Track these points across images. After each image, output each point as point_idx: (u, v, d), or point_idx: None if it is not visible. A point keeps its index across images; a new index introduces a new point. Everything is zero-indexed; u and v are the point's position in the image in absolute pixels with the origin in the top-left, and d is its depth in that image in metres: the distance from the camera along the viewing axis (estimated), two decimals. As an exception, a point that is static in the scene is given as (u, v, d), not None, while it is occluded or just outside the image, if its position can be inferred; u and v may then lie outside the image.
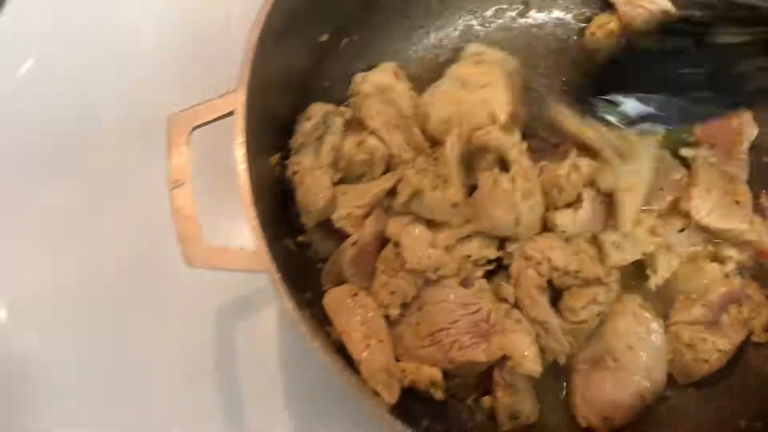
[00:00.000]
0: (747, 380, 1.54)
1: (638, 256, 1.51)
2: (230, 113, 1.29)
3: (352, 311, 1.44)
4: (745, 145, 1.66)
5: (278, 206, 1.50)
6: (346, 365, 1.25)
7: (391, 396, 1.38)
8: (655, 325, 1.50)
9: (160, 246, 1.66)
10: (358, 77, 1.66)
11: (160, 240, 1.62)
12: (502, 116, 1.57)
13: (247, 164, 1.26)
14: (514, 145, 1.51)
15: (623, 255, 1.50)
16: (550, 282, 1.48)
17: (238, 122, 1.28)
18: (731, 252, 1.58)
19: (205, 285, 1.65)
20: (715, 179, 1.59)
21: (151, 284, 1.70)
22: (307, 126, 1.55)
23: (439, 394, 1.46)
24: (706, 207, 1.56)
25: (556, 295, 1.50)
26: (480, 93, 1.59)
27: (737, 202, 1.58)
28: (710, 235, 1.58)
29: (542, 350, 1.44)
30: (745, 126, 1.66)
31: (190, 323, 1.67)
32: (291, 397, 1.62)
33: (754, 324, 1.54)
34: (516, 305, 1.47)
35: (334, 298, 1.46)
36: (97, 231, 1.73)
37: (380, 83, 1.63)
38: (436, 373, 1.44)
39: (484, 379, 1.48)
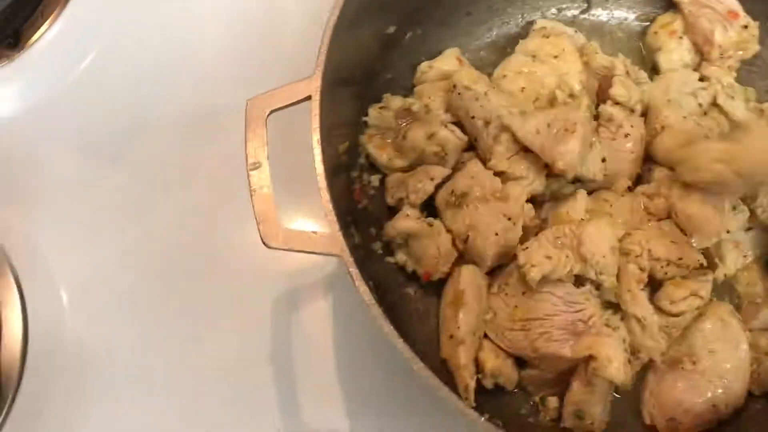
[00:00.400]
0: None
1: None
2: (307, 98, 1.30)
3: (479, 297, 1.45)
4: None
5: (345, 194, 1.50)
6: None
7: (471, 393, 1.40)
8: (743, 337, 1.46)
9: (218, 233, 1.71)
10: (424, 66, 1.67)
11: (219, 226, 1.67)
12: (575, 84, 1.58)
13: (321, 150, 1.26)
14: None
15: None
16: (651, 277, 1.47)
17: (315, 107, 1.29)
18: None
19: (261, 274, 1.69)
20: None
21: (208, 272, 1.72)
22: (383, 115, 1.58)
23: (509, 386, 1.47)
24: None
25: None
26: (551, 63, 1.60)
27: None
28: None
29: (637, 349, 1.43)
30: None
31: (246, 312, 1.69)
32: (345, 391, 1.63)
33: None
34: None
35: (473, 274, 1.46)
36: (154, 218, 1.76)
37: (445, 70, 1.63)
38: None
39: (560, 381, 1.46)
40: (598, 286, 1.44)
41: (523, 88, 1.58)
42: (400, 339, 1.18)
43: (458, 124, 1.56)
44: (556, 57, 1.61)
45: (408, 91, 1.68)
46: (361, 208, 1.58)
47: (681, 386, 1.43)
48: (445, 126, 1.54)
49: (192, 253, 1.74)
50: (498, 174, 1.49)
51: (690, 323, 1.47)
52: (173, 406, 1.63)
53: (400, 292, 1.57)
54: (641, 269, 1.45)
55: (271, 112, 1.30)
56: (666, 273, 1.46)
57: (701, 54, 1.71)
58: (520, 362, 1.48)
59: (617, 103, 1.59)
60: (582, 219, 1.45)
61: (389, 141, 1.59)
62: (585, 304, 1.42)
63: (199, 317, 1.69)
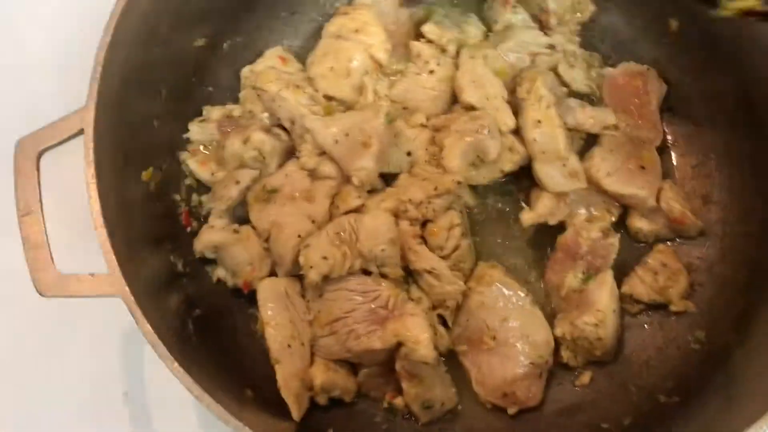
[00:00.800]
0: (668, 351, 1.46)
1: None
2: (80, 132, 1.23)
3: (285, 306, 1.40)
4: (654, 105, 1.56)
5: (158, 223, 1.43)
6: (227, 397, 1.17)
7: (299, 410, 1.34)
8: (522, 291, 1.46)
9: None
10: (245, 71, 1.60)
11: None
12: (381, 54, 1.54)
13: (97, 183, 1.19)
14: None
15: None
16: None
17: (88, 141, 1.21)
18: (641, 223, 1.51)
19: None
20: (622, 143, 1.51)
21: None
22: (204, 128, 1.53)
23: (347, 398, 1.42)
24: (606, 168, 1.48)
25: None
26: (355, 38, 1.55)
27: (642, 168, 1.49)
28: (611, 198, 1.50)
29: (442, 300, 1.42)
30: (651, 84, 1.56)
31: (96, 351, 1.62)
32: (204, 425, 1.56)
33: (671, 293, 1.46)
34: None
35: (270, 287, 1.41)
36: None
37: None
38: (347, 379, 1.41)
39: (394, 377, 1.40)
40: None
41: (332, 67, 1.53)
42: (187, 375, 1.11)
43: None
44: (357, 31, 1.55)
45: (237, 101, 1.61)
46: (191, 231, 1.50)
47: (495, 364, 1.42)
48: (267, 130, 1.48)
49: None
50: (310, 174, 1.44)
51: (469, 298, 1.45)
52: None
53: (244, 314, 1.50)
54: (411, 223, 1.42)
55: (43, 151, 1.22)
56: (434, 210, 1.43)
57: (540, 24, 1.64)
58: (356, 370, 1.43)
59: (429, 41, 1.56)
60: (362, 205, 1.42)
61: (211, 155, 1.53)
62: (379, 288, 1.37)
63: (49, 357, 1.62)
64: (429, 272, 1.42)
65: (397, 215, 1.42)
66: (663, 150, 1.57)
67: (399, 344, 1.34)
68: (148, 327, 1.12)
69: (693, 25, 1.54)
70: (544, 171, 1.46)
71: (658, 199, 1.49)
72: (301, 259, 1.37)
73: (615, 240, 1.46)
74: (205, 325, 1.38)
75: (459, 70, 1.52)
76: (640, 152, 1.51)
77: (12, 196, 1.21)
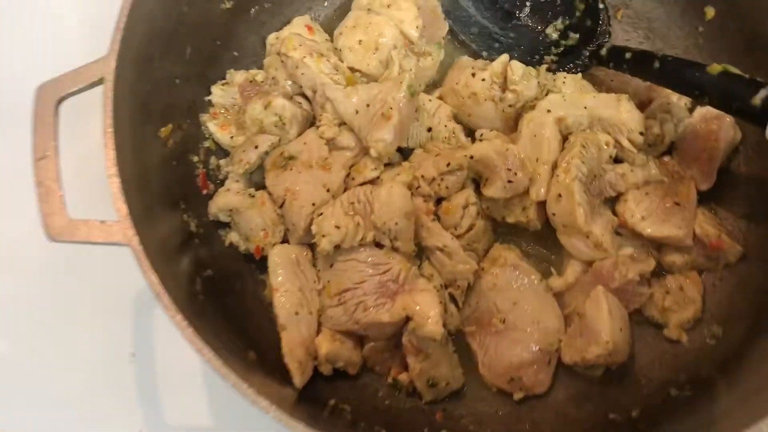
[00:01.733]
0: (682, 345, 1.42)
1: None
2: (100, 81, 1.22)
3: (295, 273, 1.38)
4: (721, 152, 1.47)
5: (173, 182, 1.42)
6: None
7: (302, 378, 1.32)
8: (537, 276, 1.42)
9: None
10: (271, 38, 1.59)
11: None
12: (412, 31, 1.53)
13: (114, 132, 1.19)
14: None
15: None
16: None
17: (108, 90, 1.21)
18: (674, 257, 1.45)
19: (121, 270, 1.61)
20: (659, 182, 1.46)
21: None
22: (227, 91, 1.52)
23: (351, 370, 1.40)
24: (640, 211, 1.43)
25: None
26: (386, 12, 1.54)
27: (677, 204, 1.43)
28: (647, 240, 1.44)
29: (453, 279, 1.40)
30: (724, 131, 1.47)
31: (107, 311, 1.62)
32: (209, 386, 1.56)
33: (670, 317, 1.41)
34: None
35: (281, 254, 1.40)
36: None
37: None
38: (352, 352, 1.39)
39: (400, 353, 1.39)
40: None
41: (360, 40, 1.52)
42: (189, 327, 1.10)
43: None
44: (389, 6, 1.54)
45: (261, 67, 1.60)
46: (207, 194, 1.49)
47: (503, 347, 1.39)
48: (289, 97, 1.46)
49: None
50: (328, 143, 1.42)
51: (482, 279, 1.42)
52: (35, 406, 1.57)
53: (254, 279, 1.49)
54: (425, 199, 1.40)
55: (62, 98, 1.22)
56: (447, 188, 1.40)
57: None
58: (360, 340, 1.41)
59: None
60: (378, 177, 1.40)
61: (232, 119, 1.52)
62: (390, 262, 1.35)
63: (57, 318, 1.63)
64: (441, 250, 1.40)
65: (410, 190, 1.40)
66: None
67: (407, 319, 1.32)
68: (154, 278, 1.11)
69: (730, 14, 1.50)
70: (568, 242, 1.42)
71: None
72: (314, 228, 1.36)
73: (647, 291, 1.42)
74: (214, 287, 1.37)
75: (525, 117, 1.46)
76: (677, 188, 1.46)
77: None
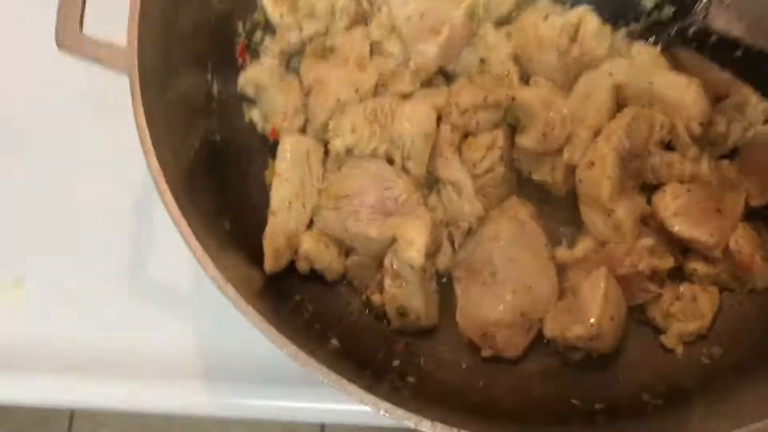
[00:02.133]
0: (674, 355, 1.32)
1: None
2: None
3: (302, 165, 1.36)
4: None
5: (209, 39, 1.38)
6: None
7: (273, 265, 1.31)
8: (543, 239, 1.34)
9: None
10: None
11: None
12: None
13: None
14: None
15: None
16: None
17: None
18: (697, 265, 1.33)
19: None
20: (707, 183, 1.32)
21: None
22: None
23: (329, 277, 1.37)
24: (674, 207, 1.30)
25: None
26: None
27: (718, 211, 1.30)
28: (674, 239, 1.32)
29: (455, 218, 1.34)
30: None
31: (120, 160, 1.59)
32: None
33: (672, 326, 1.31)
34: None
35: (294, 142, 1.36)
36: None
37: None
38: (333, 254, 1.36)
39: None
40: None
41: None
42: (168, 193, 1.07)
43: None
44: None
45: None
46: (241, 65, 1.46)
47: (485, 300, 1.31)
48: None
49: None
50: (372, 46, 1.37)
51: (485, 226, 1.34)
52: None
53: (263, 160, 1.45)
54: (453, 129, 1.32)
55: None
56: (477, 123, 1.32)
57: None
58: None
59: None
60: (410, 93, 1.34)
61: (290, -3, 1.47)
62: (397, 181, 1.29)
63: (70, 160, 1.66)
64: (452, 184, 1.33)
65: (440, 117, 1.33)
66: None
67: (393, 240, 1.27)
68: (142, 119, 1.09)
69: None
70: (587, 215, 1.32)
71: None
72: (330, 124, 1.33)
73: (655, 289, 1.31)
74: (220, 153, 1.35)
75: (585, 75, 1.37)
76: (725, 195, 1.32)
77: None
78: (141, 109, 1.09)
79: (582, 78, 1.36)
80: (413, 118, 1.27)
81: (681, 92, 1.32)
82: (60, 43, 1.13)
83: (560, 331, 1.27)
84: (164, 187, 1.07)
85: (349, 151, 1.31)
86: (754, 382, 1.17)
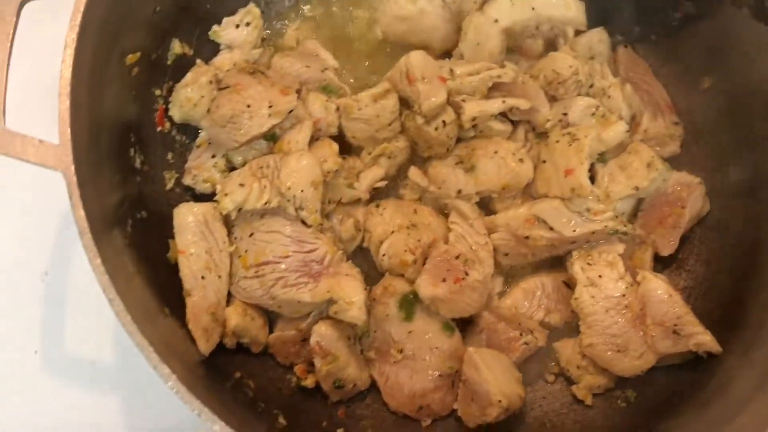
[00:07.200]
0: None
1: None
2: (68, -10, 1.13)
3: (204, 235, 1.32)
4: (686, 220, 1.45)
5: (128, 111, 1.34)
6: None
7: (207, 345, 1.28)
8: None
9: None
10: None
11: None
12: None
13: (75, 49, 1.11)
14: None
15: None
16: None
17: (79, 1, 1.12)
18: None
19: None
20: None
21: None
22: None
23: (255, 349, 1.37)
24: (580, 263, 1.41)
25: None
26: None
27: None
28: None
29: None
30: (693, 199, 1.45)
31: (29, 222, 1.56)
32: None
33: (582, 377, 1.41)
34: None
35: (188, 213, 1.32)
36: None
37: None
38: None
39: (303, 349, 1.37)
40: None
41: None
42: (105, 275, 1.04)
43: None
44: None
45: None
46: (161, 131, 1.42)
47: (404, 377, 1.36)
48: None
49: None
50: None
51: (375, 308, 1.37)
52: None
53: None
54: None
55: (24, 2, 1.12)
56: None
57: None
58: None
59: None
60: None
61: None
62: (316, 243, 1.32)
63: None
64: None
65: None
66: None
67: (330, 301, 1.29)
68: (82, 213, 1.05)
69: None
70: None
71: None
72: (218, 187, 1.33)
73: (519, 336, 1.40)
74: (146, 230, 1.31)
75: (472, 20, 1.48)
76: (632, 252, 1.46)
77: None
78: (80, 203, 1.06)
79: (470, 23, 1.46)
80: (299, 169, 1.29)
81: (563, 9, 1.47)
82: (-17, 139, 1.05)
83: (481, 419, 1.32)
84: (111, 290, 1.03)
85: (239, 211, 1.30)
86: (672, 416, 1.28)
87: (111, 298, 1.04)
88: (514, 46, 1.53)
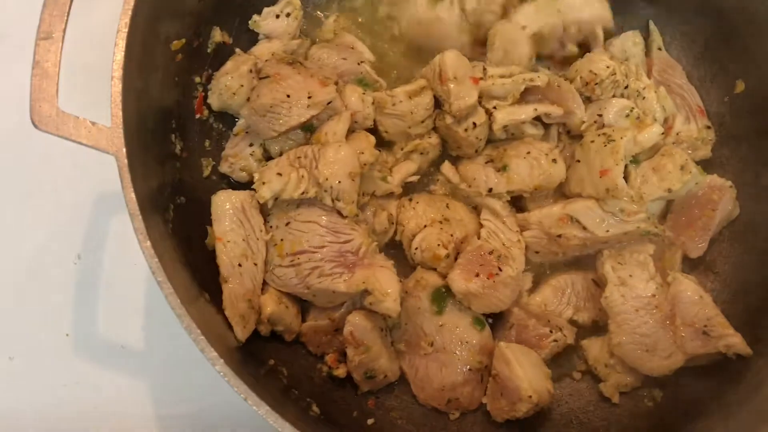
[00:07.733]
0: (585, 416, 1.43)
1: None
2: (127, -26, 1.14)
3: (241, 222, 1.33)
4: (715, 222, 1.46)
5: (170, 97, 1.35)
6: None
7: (244, 332, 1.28)
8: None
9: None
10: None
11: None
12: None
13: (128, 33, 1.12)
14: None
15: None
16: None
17: (132, -14, 1.13)
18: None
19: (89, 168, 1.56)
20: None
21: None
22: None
23: (288, 338, 1.38)
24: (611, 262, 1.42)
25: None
26: None
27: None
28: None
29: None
30: (724, 202, 1.46)
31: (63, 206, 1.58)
32: (147, 306, 1.53)
33: (610, 375, 1.42)
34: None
35: (226, 200, 1.33)
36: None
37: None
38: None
39: (336, 339, 1.38)
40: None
41: None
42: (155, 257, 1.05)
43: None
44: None
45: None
46: (200, 119, 1.44)
47: (434, 370, 1.38)
48: None
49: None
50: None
51: (407, 301, 1.38)
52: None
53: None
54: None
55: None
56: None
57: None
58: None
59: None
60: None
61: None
62: (352, 234, 1.33)
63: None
64: None
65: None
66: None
67: (365, 292, 1.29)
68: (132, 196, 1.06)
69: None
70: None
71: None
72: (256, 175, 1.33)
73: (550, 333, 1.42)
74: (185, 216, 1.32)
75: (498, 29, 1.50)
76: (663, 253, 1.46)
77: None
78: (131, 186, 1.07)
79: (496, 32, 1.49)
80: (336, 161, 1.30)
81: (589, 9, 1.50)
82: (37, 124, 1.06)
83: (510, 414, 1.33)
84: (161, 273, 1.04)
85: (275, 199, 1.31)
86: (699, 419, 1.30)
87: (161, 280, 1.05)
88: (544, 54, 1.54)
